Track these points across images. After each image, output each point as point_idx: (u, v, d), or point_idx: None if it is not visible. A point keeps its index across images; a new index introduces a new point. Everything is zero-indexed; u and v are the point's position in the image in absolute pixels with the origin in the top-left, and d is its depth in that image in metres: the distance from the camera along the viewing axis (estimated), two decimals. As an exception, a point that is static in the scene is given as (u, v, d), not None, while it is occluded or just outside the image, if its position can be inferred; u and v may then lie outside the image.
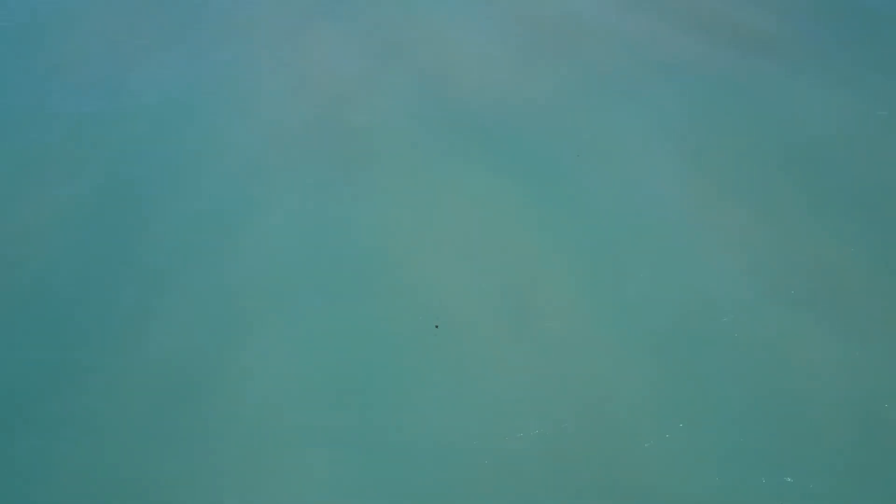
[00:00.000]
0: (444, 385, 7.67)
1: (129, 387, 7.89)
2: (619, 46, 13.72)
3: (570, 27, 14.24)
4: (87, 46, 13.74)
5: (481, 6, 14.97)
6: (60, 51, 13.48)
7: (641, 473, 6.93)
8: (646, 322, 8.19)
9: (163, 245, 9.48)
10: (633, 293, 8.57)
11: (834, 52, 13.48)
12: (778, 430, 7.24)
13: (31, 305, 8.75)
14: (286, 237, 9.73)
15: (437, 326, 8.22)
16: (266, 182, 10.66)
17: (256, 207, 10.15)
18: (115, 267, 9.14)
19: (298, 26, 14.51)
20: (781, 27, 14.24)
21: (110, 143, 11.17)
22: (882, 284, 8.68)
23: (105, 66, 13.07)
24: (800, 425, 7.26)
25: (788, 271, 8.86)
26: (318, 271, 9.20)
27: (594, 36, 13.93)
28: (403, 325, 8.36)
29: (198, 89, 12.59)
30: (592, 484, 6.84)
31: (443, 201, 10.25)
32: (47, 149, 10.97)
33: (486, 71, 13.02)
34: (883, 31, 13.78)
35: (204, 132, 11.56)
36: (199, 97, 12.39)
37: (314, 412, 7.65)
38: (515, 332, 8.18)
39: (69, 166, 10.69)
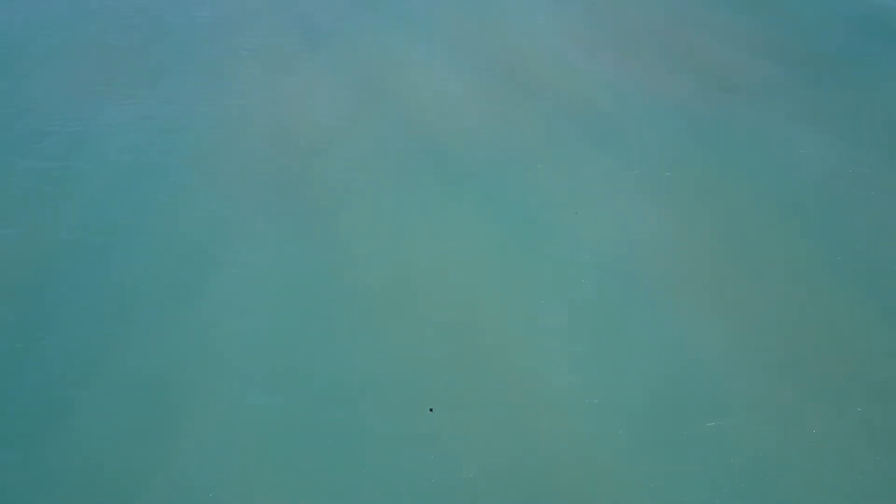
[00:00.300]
0: (430, 479, 6.90)
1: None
2: (604, 89, 13.67)
3: (555, 72, 14.18)
4: (54, 91, 13.22)
5: (464, 51, 14.85)
6: (22, 96, 12.93)
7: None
8: (638, 414, 7.60)
9: (115, 312, 8.60)
10: (625, 380, 7.84)
11: (831, 99, 13.47)
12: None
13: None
14: (249, 301, 8.82)
15: (431, 410, 7.61)
16: (232, 239, 9.82)
17: (217, 269, 9.24)
18: (61, 333, 8.24)
19: (278, 70, 14.25)
20: (777, 73, 14.24)
21: (70, 199, 10.45)
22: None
23: (71, 114, 12.47)
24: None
25: (788, 344, 8.17)
26: (284, 342, 8.28)
27: (579, 80, 13.88)
28: (384, 407, 7.51)
29: (166, 139, 11.91)
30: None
31: (423, 265, 9.68)
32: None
33: (469, 119, 12.72)
34: (882, 78, 13.85)
35: (169, 186, 10.71)
36: (166, 147, 11.73)
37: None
38: (502, 417, 7.63)
39: (25, 225, 9.93)
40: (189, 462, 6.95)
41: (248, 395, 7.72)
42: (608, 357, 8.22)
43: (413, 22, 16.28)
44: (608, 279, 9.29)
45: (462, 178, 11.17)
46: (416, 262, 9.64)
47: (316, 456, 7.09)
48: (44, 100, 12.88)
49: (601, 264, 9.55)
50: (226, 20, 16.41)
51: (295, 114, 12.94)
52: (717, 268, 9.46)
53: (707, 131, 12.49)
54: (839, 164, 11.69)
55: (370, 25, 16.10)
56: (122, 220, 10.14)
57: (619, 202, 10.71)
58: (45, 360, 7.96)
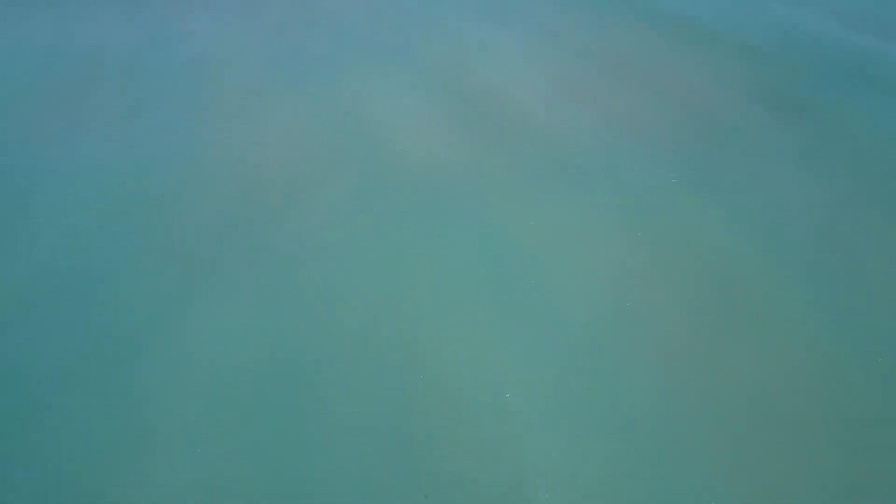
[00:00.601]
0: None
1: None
2: (592, 133, 13.25)
3: (542, 116, 13.75)
4: (9, 135, 12.98)
5: (450, 95, 14.39)
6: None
7: None
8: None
9: (54, 384, 7.91)
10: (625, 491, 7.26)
11: (823, 145, 13.14)
12: None
13: None
14: (203, 365, 8.29)
15: (425, 496, 6.75)
16: (190, 304, 9.11)
17: (168, 328, 8.64)
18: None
19: (253, 115, 13.66)
20: (766, 116, 13.89)
21: (6, 260, 9.92)
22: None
23: (25, 161, 12.12)
24: None
25: (798, 437, 7.32)
26: (246, 427, 7.56)
27: (565, 124, 13.50)
28: (369, 494, 6.93)
29: (123, 190, 11.12)
30: None
31: (404, 329, 8.96)
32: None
33: (453, 168, 12.11)
34: (873, 125, 13.55)
35: (120, 245, 10.13)
36: (121, 200, 10.99)
37: None
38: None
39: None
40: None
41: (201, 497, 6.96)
42: (610, 465, 7.45)
43: (399, 61, 15.96)
44: (599, 346, 8.54)
45: (444, 232, 10.56)
46: (395, 327, 8.93)
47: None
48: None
49: (593, 327, 8.79)
50: (207, 59, 16.07)
51: (267, 163, 12.39)
52: (715, 332, 8.73)
53: (698, 176, 11.92)
54: (838, 214, 11.18)
55: (353, 66, 15.77)
56: (65, 286, 9.39)
57: (608, 255, 10.07)
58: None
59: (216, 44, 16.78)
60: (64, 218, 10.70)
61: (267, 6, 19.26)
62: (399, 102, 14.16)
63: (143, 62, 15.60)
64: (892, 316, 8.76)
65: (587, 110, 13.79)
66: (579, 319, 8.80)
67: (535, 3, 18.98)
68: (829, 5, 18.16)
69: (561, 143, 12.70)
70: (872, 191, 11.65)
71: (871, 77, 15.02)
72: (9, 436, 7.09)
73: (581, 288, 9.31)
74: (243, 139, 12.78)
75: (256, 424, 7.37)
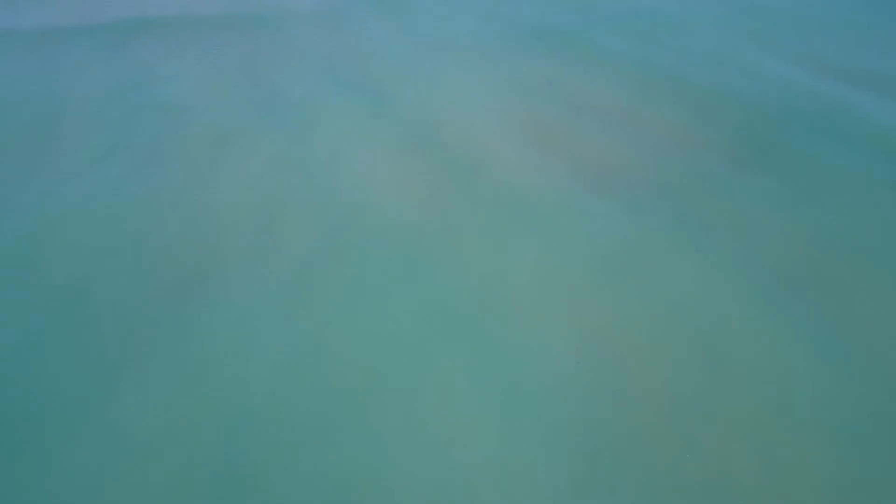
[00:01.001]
0: None
1: None
2: (561, 192, 13.19)
3: (516, 169, 13.76)
4: None
5: (424, 149, 14.52)
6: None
7: None
8: None
9: None
10: None
11: (796, 192, 13.03)
12: None
13: None
14: (129, 441, 7.87)
15: None
16: (138, 357, 8.82)
17: (92, 404, 8.21)
18: None
19: (220, 154, 13.72)
20: (740, 164, 13.88)
21: None
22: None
23: None
24: None
25: None
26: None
27: (536, 179, 13.42)
28: None
29: (79, 242, 11.12)
30: None
31: (360, 384, 8.66)
32: None
33: (414, 222, 12.08)
34: (837, 174, 13.47)
35: (71, 291, 9.90)
36: (78, 249, 10.95)
37: None
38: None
39: None
40: None
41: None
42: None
43: (371, 110, 16.02)
44: (568, 407, 8.22)
45: (411, 290, 10.28)
46: (355, 387, 8.60)
47: None
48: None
49: (565, 387, 8.48)
50: (181, 104, 16.14)
51: (233, 213, 12.23)
52: (691, 390, 8.42)
53: (674, 228, 11.80)
54: (815, 263, 10.96)
55: (328, 111, 15.81)
56: (26, 329, 9.17)
57: (581, 311, 9.80)
58: None
59: (193, 88, 16.88)
60: (20, 266, 10.55)
61: (247, 50, 19.45)
62: (369, 152, 14.16)
63: (116, 106, 15.67)
64: (878, 370, 8.55)
65: (561, 162, 13.78)
66: (550, 381, 8.52)
67: (509, 51, 19.20)
68: (811, 57, 18.39)
69: (534, 195, 12.64)
70: (854, 239, 11.52)
71: (851, 127, 15.08)
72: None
73: (553, 347, 9.03)
74: (210, 187, 12.70)
75: (207, 490, 7.09)
